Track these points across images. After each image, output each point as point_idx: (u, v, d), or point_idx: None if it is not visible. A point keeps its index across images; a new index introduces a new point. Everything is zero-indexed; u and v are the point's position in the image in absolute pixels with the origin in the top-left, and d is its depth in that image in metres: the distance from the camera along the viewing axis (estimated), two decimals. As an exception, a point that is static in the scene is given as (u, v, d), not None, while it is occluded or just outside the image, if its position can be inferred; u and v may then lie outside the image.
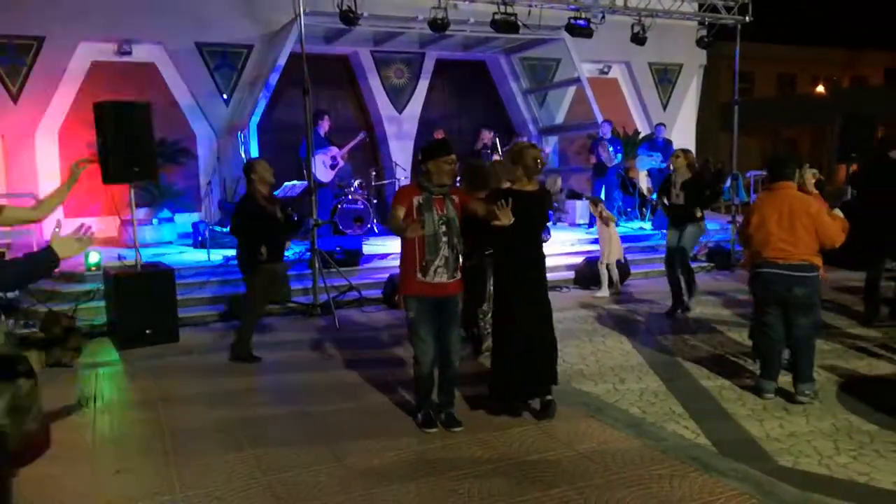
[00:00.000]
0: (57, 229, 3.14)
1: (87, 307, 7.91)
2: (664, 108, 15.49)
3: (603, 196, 12.22)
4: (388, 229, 9.07)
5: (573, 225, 12.95)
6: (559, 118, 14.66)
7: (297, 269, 8.63)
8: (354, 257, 9.47)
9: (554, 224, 13.02)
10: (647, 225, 12.43)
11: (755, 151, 26.65)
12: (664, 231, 10.47)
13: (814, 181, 6.76)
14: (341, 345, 7.04)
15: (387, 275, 8.81)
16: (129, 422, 5.19)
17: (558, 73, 14.34)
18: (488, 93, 14.63)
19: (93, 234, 3.19)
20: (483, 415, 4.99)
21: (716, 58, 18.43)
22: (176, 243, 10.91)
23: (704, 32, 12.00)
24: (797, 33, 32.33)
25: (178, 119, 11.68)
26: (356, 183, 11.56)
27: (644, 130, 14.89)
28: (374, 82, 13.22)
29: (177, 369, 6.41)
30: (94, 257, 8.40)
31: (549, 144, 14.55)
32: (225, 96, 11.80)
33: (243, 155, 10.81)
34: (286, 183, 9.92)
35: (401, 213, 4.57)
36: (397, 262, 4.86)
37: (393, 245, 9.30)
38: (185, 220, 11.40)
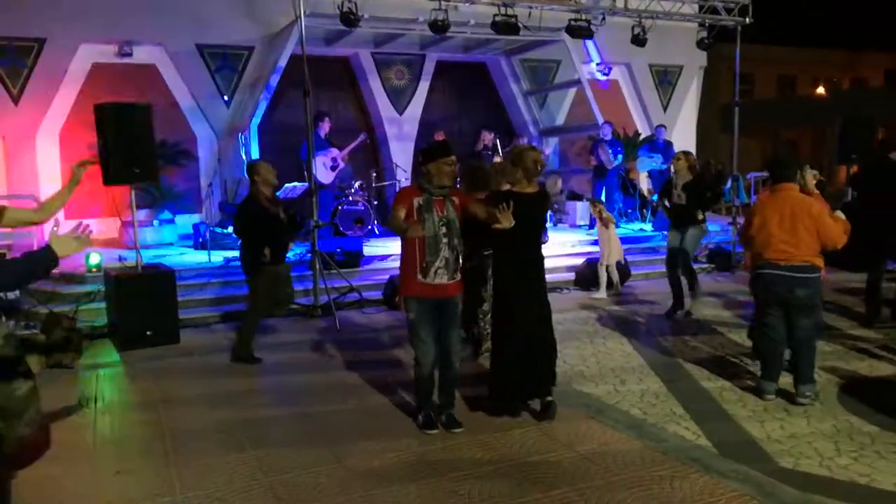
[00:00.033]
0: (55, 228, 3.14)
1: (88, 308, 7.90)
2: (664, 109, 15.49)
3: (603, 197, 12.23)
4: (388, 230, 9.09)
5: (574, 226, 12.94)
6: (559, 120, 14.66)
7: (298, 270, 8.62)
8: (355, 259, 9.47)
9: (554, 225, 13.04)
10: (648, 226, 12.43)
11: (756, 153, 26.65)
12: (665, 232, 10.48)
13: (814, 182, 6.76)
14: (342, 346, 7.04)
15: (387, 276, 8.81)
16: (130, 423, 5.19)
17: (558, 74, 14.35)
18: (489, 94, 14.63)
19: (91, 233, 3.18)
20: (483, 416, 4.99)
21: (716, 59, 18.44)
22: (177, 245, 10.91)
23: (705, 34, 12.02)
24: (797, 35, 32.39)
25: (179, 120, 11.69)
26: (357, 184, 11.57)
27: (644, 132, 14.89)
28: (375, 84, 13.22)
29: (177, 370, 6.41)
30: (94, 259, 8.40)
31: (550, 146, 14.55)
32: (225, 98, 11.81)
33: (244, 156, 10.82)
34: (287, 184, 9.93)
35: (401, 213, 4.57)
36: (398, 264, 4.87)
37: (393, 246, 9.30)
38: (185, 222, 11.40)
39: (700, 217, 7.77)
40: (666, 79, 15.50)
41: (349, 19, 9.78)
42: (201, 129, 11.92)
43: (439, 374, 4.81)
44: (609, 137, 12.50)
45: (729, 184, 13.09)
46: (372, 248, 10.19)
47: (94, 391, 5.83)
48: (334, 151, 11.26)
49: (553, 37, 12.04)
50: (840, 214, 5.34)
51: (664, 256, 8.49)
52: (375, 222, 11.68)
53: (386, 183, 12.82)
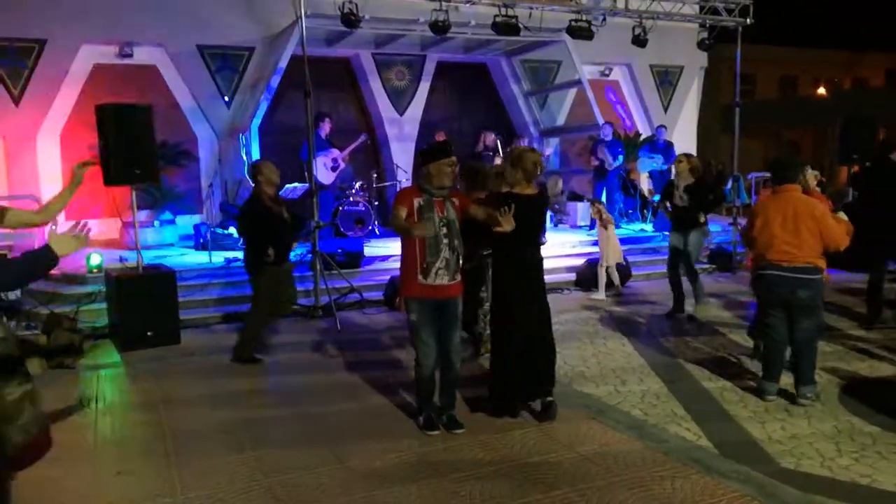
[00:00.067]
0: (53, 227, 3.12)
1: (89, 309, 7.90)
2: (665, 110, 15.50)
3: (604, 198, 12.23)
4: (390, 230, 9.09)
5: (574, 227, 12.94)
6: (560, 120, 14.67)
7: (299, 271, 8.62)
8: (356, 259, 9.48)
9: (555, 226, 13.05)
10: (649, 227, 12.43)
11: (756, 153, 26.65)
12: (666, 233, 10.47)
13: (815, 183, 6.76)
14: (342, 346, 7.04)
15: (388, 277, 8.81)
16: (131, 423, 5.20)
17: (559, 75, 14.36)
18: (489, 95, 14.64)
19: (90, 232, 3.16)
20: (484, 417, 4.99)
21: (717, 60, 18.44)
22: (177, 245, 10.91)
23: (705, 34, 12.03)
24: (798, 35, 32.38)
25: (180, 121, 11.70)
26: (357, 185, 11.58)
27: (645, 132, 14.90)
28: (376, 84, 13.23)
29: (178, 371, 6.41)
30: (95, 259, 8.41)
31: (551, 146, 14.56)
32: (226, 98, 11.82)
33: (245, 157, 10.83)
34: (287, 185, 9.93)
35: (403, 213, 4.57)
36: (398, 264, 4.87)
37: (394, 247, 9.30)
38: (186, 223, 11.40)
39: (702, 219, 7.74)
40: (667, 79, 15.51)
41: (350, 20, 9.79)
42: (202, 129, 11.93)
43: (440, 374, 4.81)
44: (609, 138, 12.50)
45: (730, 184, 13.08)
46: (373, 248, 10.19)
47: (95, 391, 5.84)
48: (335, 152, 11.26)
49: (554, 37, 12.04)
50: (842, 216, 5.34)
51: (665, 257, 8.47)
52: (376, 223, 11.69)
53: (387, 183, 12.83)
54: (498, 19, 10.30)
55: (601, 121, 12.69)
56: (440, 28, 10.19)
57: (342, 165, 11.37)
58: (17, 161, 10.78)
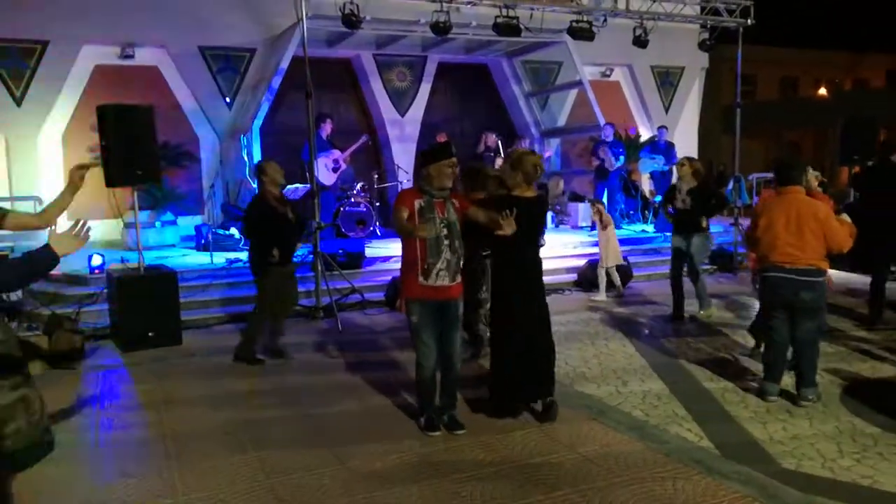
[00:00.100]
0: (53, 227, 3.10)
1: (90, 310, 7.91)
2: (666, 110, 15.51)
3: (605, 199, 12.23)
4: (391, 231, 9.09)
5: (575, 227, 12.94)
6: (561, 121, 14.67)
7: (300, 271, 8.62)
8: (357, 260, 9.48)
9: (556, 227, 13.06)
10: (650, 227, 12.43)
11: (758, 154, 26.65)
12: (667, 234, 10.45)
13: (817, 183, 6.75)
14: (344, 347, 7.04)
15: (389, 277, 8.81)
16: (132, 424, 5.19)
17: (560, 76, 14.36)
18: (490, 96, 14.65)
19: (89, 230, 3.15)
20: (485, 417, 4.98)
21: (718, 60, 18.43)
22: (179, 246, 10.93)
23: (706, 35, 12.02)
24: (799, 36, 32.37)
25: (181, 122, 11.72)
26: (358, 186, 11.58)
27: (646, 133, 14.90)
28: (377, 85, 13.24)
29: (179, 372, 6.41)
30: (96, 260, 8.42)
31: (552, 147, 14.56)
32: (228, 99, 11.84)
33: (246, 158, 10.84)
34: (288, 186, 9.93)
35: (404, 214, 4.58)
36: (399, 265, 4.87)
37: (395, 248, 9.30)
38: (187, 223, 11.43)
39: (704, 224, 7.71)
40: (668, 80, 15.51)
41: (351, 21, 9.79)
42: (203, 130, 11.95)
43: (441, 375, 4.81)
44: (611, 139, 12.50)
45: (731, 185, 13.08)
46: (374, 249, 10.19)
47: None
48: (336, 153, 11.27)
49: (554, 38, 12.05)
50: (846, 218, 5.33)
51: (666, 258, 8.45)
52: (377, 224, 11.69)
53: (388, 184, 12.84)
54: (499, 20, 10.30)
55: (602, 121, 12.69)
56: (441, 29, 10.20)
57: (343, 166, 11.38)
58: (18, 162, 10.79)
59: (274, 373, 6.31)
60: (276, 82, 10.94)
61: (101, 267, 8.39)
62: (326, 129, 11.18)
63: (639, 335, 7.35)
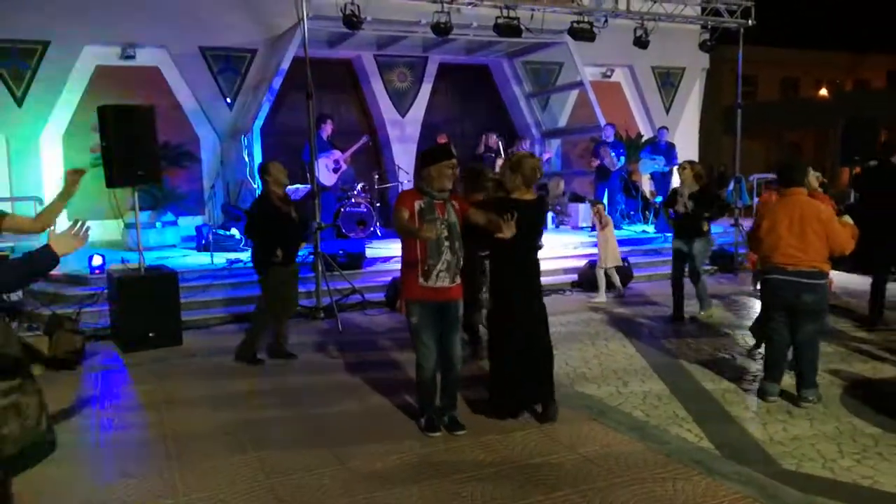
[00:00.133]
0: (52, 227, 3.11)
1: (91, 310, 7.92)
2: (667, 111, 15.50)
3: (606, 199, 12.23)
4: (392, 231, 9.08)
5: (576, 228, 12.95)
6: (562, 122, 14.68)
7: (300, 272, 8.63)
8: (357, 260, 9.49)
9: (557, 227, 13.07)
10: (651, 228, 12.43)
11: (758, 155, 26.65)
12: (667, 234, 10.45)
13: (817, 184, 6.75)
14: (344, 347, 7.05)
15: (389, 277, 8.82)
16: (132, 424, 5.20)
17: (561, 76, 14.36)
18: (491, 96, 14.65)
19: (89, 230, 3.16)
20: (485, 418, 4.98)
21: (718, 61, 18.44)
22: (179, 246, 10.93)
23: (707, 36, 12.02)
24: (800, 37, 32.33)
25: (182, 122, 11.73)
26: (359, 186, 11.59)
27: (647, 134, 14.89)
28: (377, 86, 13.24)
29: (180, 372, 6.42)
30: (97, 260, 8.43)
31: (552, 148, 14.56)
32: (228, 100, 11.84)
33: (247, 158, 10.84)
34: (289, 186, 9.91)
35: (405, 215, 4.58)
36: (399, 266, 4.87)
37: (395, 248, 9.31)
38: (188, 224, 11.43)
39: (705, 228, 7.71)
40: (668, 81, 15.51)
41: (352, 22, 9.79)
42: (204, 131, 11.96)
43: (441, 376, 4.82)
44: (611, 139, 12.50)
45: (731, 186, 13.08)
46: (374, 249, 10.20)
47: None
48: (337, 153, 11.27)
49: (555, 39, 12.05)
50: (848, 220, 5.33)
51: (666, 258, 8.44)
52: (378, 224, 11.70)
53: (388, 185, 12.84)
54: (500, 21, 10.31)
55: (603, 122, 12.69)
56: (442, 29, 10.20)
57: (344, 167, 11.38)
58: (20, 162, 10.79)
59: (274, 373, 6.31)
60: (277, 83, 10.94)
61: (101, 267, 8.40)
62: (327, 129, 11.19)
63: (639, 336, 7.35)
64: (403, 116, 13.43)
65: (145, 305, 7.08)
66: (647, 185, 13.82)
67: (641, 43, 11.43)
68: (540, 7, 10.57)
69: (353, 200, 11.35)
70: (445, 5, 10.02)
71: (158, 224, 11.16)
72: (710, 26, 11.90)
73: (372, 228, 11.46)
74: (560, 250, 10.62)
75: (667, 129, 13.65)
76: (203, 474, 4.25)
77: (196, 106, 11.81)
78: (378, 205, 12.12)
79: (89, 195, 10.11)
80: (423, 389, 4.83)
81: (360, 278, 9.17)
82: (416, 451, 4.50)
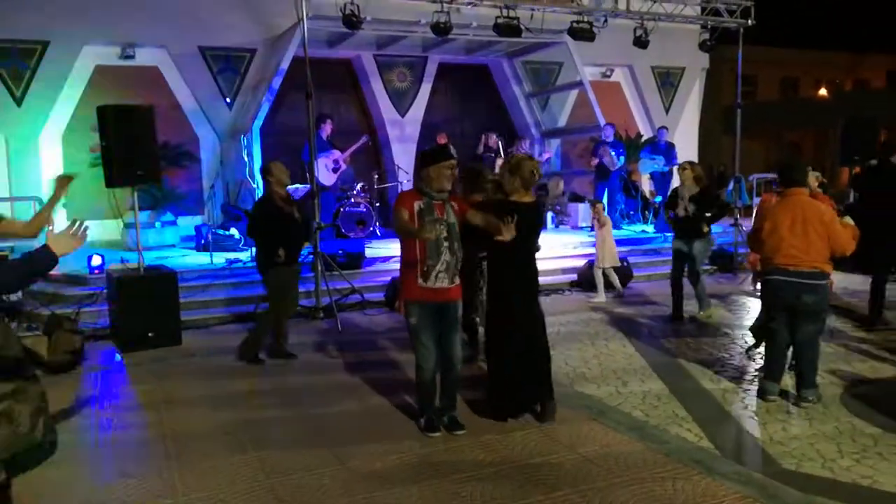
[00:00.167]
0: (50, 227, 3.11)
1: (90, 310, 7.92)
2: (667, 111, 15.50)
3: (605, 199, 12.23)
4: (391, 231, 9.08)
5: (575, 228, 12.94)
6: (562, 121, 14.68)
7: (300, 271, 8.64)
8: (357, 260, 9.49)
9: (556, 227, 13.06)
10: (650, 228, 12.43)
11: (758, 155, 26.65)
12: (667, 234, 10.46)
13: (817, 184, 6.75)
14: (343, 347, 7.04)
15: (389, 277, 8.82)
16: (132, 424, 5.19)
17: (560, 76, 14.36)
18: (491, 96, 14.65)
19: (87, 230, 3.16)
20: (485, 418, 4.98)
21: (718, 61, 18.43)
22: (179, 246, 10.93)
23: (707, 36, 12.02)
24: (800, 37, 32.33)
25: (182, 122, 11.73)
26: (359, 186, 11.58)
27: (647, 133, 14.89)
28: (377, 86, 13.24)
29: (179, 372, 6.41)
30: (96, 260, 8.42)
31: (552, 147, 14.57)
32: (228, 100, 11.84)
33: (246, 158, 10.84)
34: (289, 186, 9.92)
35: (405, 215, 4.58)
36: (399, 266, 4.87)
37: (395, 248, 9.31)
38: (187, 224, 11.43)
39: (705, 230, 7.71)
40: (668, 80, 15.51)
41: (351, 22, 9.79)
42: (203, 130, 11.96)
43: (441, 377, 4.81)
44: (611, 139, 12.50)
45: (731, 185, 13.07)
46: (374, 249, 10.19)
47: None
48: (336, 153, 11.27)
49: (555, 39, 12.05)
50: (849, 221, 5.33)
51: (666, 258, 8.44)
52: (377, 224, 11.69)
53: (388, 185, 12.84)
54: (499, 21, 10.31)
55: (602, 122, 12.69)
56: (442, 29, 10.20)
57: (343, 167, 11.37)
58: (19, 162, 10.79)
59: (274, 373, 6.31)
60: (277, 83, 10.94)
61: (100, 267, 8.40)
62: (327, 129, 11.18)
63: (639, 335, 7.35)
64: (403, 116, 13.43)
65: (145, 305, 7.08)
66: (646, 185, 13.83)
67: (641, 43, 11.43)
68: (540, 7, 10.57)
69: (352, 200, 11.35)
70: (445, 5, 10.02)
71: (158, 224, 11.16)
72: (709, 26, 11.91)
73: (371, 228, 11.46)
74: (559, 250, 10.62)
75: (666, 128, 13.64)
76: (203, 474, 4.24)
77: (195, 106, 11.81)
78: (377, 205, 12.11)
79: (89, 195, 10.19)
80: (422, 390, 4.83)
81: (360, 278, 9.17)
82: (415, 451, 4.50)
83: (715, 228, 8.37)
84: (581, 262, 10.05)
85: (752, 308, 8.22)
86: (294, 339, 6.92)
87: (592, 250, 10.49)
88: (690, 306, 8.00)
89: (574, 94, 14.30)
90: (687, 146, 14.92)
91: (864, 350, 6.60)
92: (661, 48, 13.10)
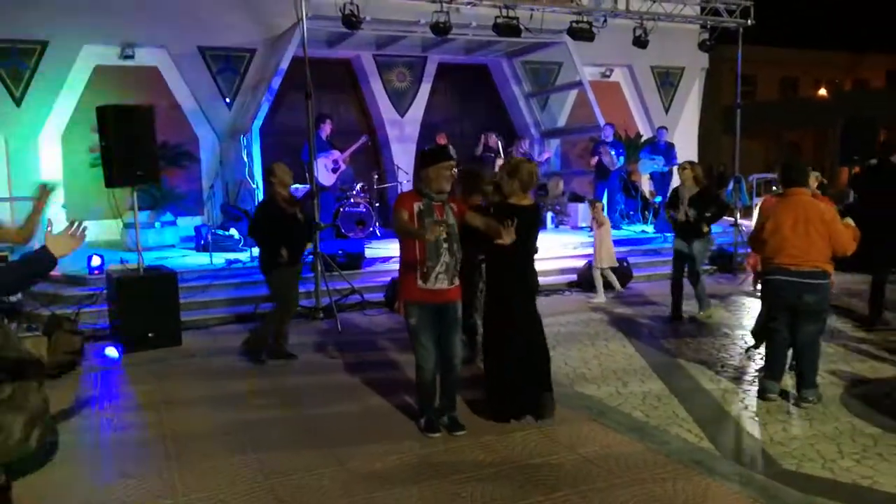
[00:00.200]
0: (49, 228, 3.11)
1: (90, 311, 7.91)
2: (666, 111, 15.50)
3: (605, 199, 12.22)
4: (391, 231, 9.07)
5: (575, 228, 12.93)
6: (561, 121, 14.67)
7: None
8: (356, 260, 9.48)
9: (556, 227, 13.06)
10: (650, 228, 12.42)
11: (758, 155, 26.66)
12: (667, 234, 10.45)
13: (816, 184, 6.75)
14: (343, 348, 7.04)
15: (389, 278, 8.81)
16: (132, 425, 5.19)
17: (560, 76, 14.36)
18: (490, 96, 14.65)
19: (85, 230, 3.16)
20: (485, 419, 4.98)
21: (718, 61, 18.44)
22: (178, 247, 10.92)
23: (706, 36, 12.02)
24: (799, 36, 32.37)
25: (181, 122, 11.72)
26: (358, 186, 11.58)
27: (646, 133, 14.89)
28: (377, 86, 13.24)
29: (179, 373, 6.41)
30: (96, 261, 8.42)
31: (551, 147, 14.56)
32: (227, 100, 11.83)
33: (246, 159, 10.83)
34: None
35: (406, 216, 4.57)
36: (398, 266, 4.87)
37: (395, 248, 9.30)
38: (187, 224, 11.42)
39: (705, 230, 7.72)
40: (668, 80, 15.51)
41: (351, 22, 9.79)
42: (203, 130, 11.95)
43: (441, 377, 4.81)
44: (611, 139, 12.50)
45: (731, 186, 13.07)
46: (373, 249, 10.19)
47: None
48: (336, 153, 11.26)
49: (554, 39, 12.04)
50: (850, 222, 5.33)
51: (666, 258, 8.43)
52: (377, 224, 11.69)
53: (387, 185, 12.83)
54: (499, 20, 10.30)
55: (602, 122, 12.69)
56: (441, 29, 10.19)
57: (343, 167, 11.37)
58: (19, 162, 10.78)
59: (274, 373, 6.30)
60: (276, 83, 10.93)
61: (100, 268, 8.39)
62: (326, 129, 11.17)
63: (639, 336, 7.35)
64: (402, 116, 13.42)
65: (144, 306, 7.08)
66: (646, 185, 13.83)
67: (640, 43, 11.42)
68: (539, 7, 10.57)
69: (352, 200, 11.35)
70: (444, 5, 10.01)
71: (157, 224, 11.15)
72: (709, 26, 11.91)
73: (371, 228, 11.45)
74: (559, 250, 10.61)
75: (666, 128, 13.64)
76: (202, 475, 4.24)
77: (195, 106, 11.80)
78: (377, 205, 12.10)
79: (88, 195, 10.18)
80: (422, 390, 4.82)
81: (360, 278, 9.17)
82: (415, 452, 4.49)
83: (715, 229, 8.38)
84: (581, 263, 10.04)
85: (752, 308, 8.22)
86: (294, 339, 6.92)
87: (591, 251, 10.52)
88: (690, 306, 7.99)
89: (573, 94, 14.29)
90: (686, 146, 14.92)
91: (864, 350, 6.60)
92: (660, 48, 13.10)
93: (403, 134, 13.41)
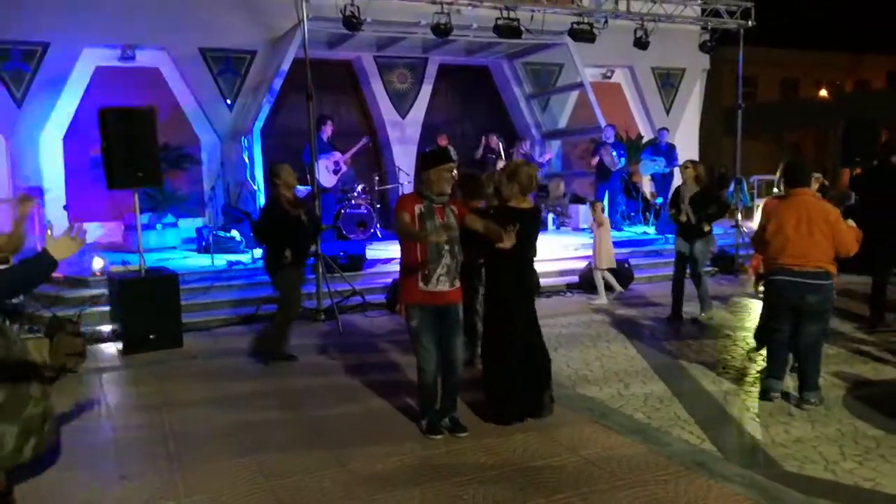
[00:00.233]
0: (49, 231, 3.12)
1: (92, 312, 7.91)
2: (667, 112, 15.49)
3: (606, 201, 12.22)
4: (392, 233, 9.07)
5: (576, 229, 12.93)
6: (562, 123, 14.67)
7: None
8: (358, 262, 9.48)
9: (557, 228, 13.06)
10: (651, 229, 12.42)
11: (759, 155, 26.60)
12: (667, 236, 10.44)
13: (817, 186, 6.75)
14: (345, 349, 7.04)
15: (390, 279, 8.81)
16: (133, 426, 5.19)
17: (561, 77, 14.36)
18: (491, 97, 14.65)
19: (85, 233, 3.16)
20: (486, 421, 4.97)
21: (719, 62, 18.43)
22: (180, 248, 10.93)
23: (707, 37, 12.01)
24: (800, 37, 32.33)
25: (182, 124, 11.73)
26: (359, 188, 11.58)
27: (647, 135, 14.88)
28: (378, 87, 13.24)
29: (181, 374, 6.41)
30: (98, 263, 8.42)
31: (552, 149, 14.56)
32: (228, 101, 11.83)
33: (247, 160, 10.84)
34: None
35: (407, 218, 4.57)
36: (399, 268, 4.87)
37: (396, 250, 9.29)
38: (188, 225, 11.43)
39: (706, 229, 7.73)
40: (669, 82, 15.50)
41: (352, 23, 9.79)
42: (204, 132, 11.95)
43: (442, 379, 4.81)
44: (612, 140, 12.50)
45: (732, 187, 13.07)
46: (374, 251, 10.19)
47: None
48: (337, 155, 11.27)
49: (555, 40, 12.05)
50: (852, 223, 5.33)
51: (667, 260, 8.43)
52: (378, 226, 11.69)
53: (388, 186, 12.84)
54: (500, 22, 10.30)
55: (603, 123, 12.69)
56: (442, 31, 10.20)
57: (344, 168, 11.37)
58: (20, 164, 10.79)
59: (275, 375, 6.30)
60: (277, 84, 10.93)
61: (102, 269, 8.38)
62: (327, 130, 11.19)
63: (640, 337, 7.34)
64: (403, 118, 13.42)
65: (146, 307, 7.08)
66: (647, 187, 13.83)
67: (641, 44, 11.42)
68: (540, 8, 10.56)
69: (353, 202, 11.35)
70: (445, 6, 10.01)
71: (159, 226, 11.15)
72: (710, 27, 11.90)
73: (372, 230, 11.45)
74: (560, 252, 10.60)
75: (667, 130, 13.64)
76: (204, 476, 4.24)
77: (196, 107, 11.80)
78: (378, 206, 12.12)
79: (90, 197, 10.18)
80: (424, 392, 4.82)
81: (361, 280, 9.17)
82: (416, 454, 4.49)
83: (716, 230, 8.37)
84: (582, 264, 10.03)
85: (754, 310, 8.21)
86: (295, 340, 6.92)
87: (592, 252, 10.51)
88: (691, 308, 7.99)
89: (574, 95, 14.29)
90: (688, 147, 14.91)
91: (865, 352, 6.59)
92: (661, 49, 13.10)
93: (404, 135, 13.41)
